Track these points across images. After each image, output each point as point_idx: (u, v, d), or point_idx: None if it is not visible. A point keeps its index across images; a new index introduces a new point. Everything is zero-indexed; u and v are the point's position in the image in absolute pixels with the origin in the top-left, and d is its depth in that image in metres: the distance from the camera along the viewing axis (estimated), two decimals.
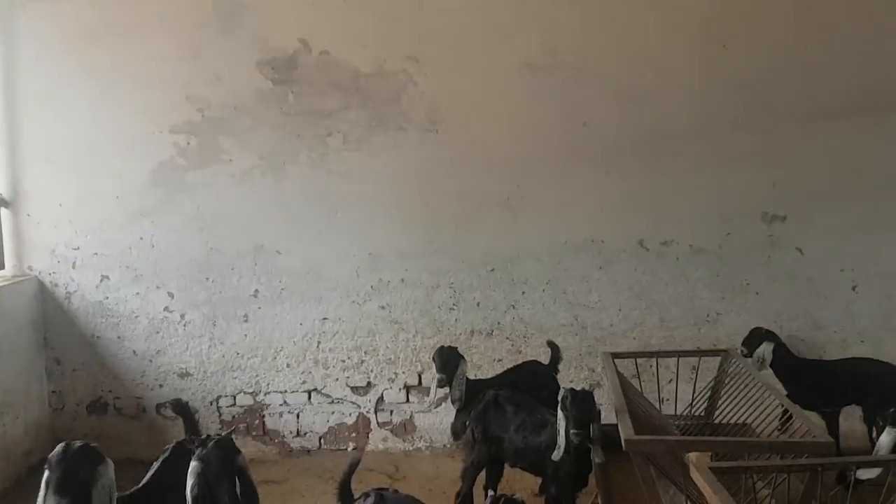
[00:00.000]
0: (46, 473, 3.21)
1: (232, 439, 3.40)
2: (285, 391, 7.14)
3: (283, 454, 7.12)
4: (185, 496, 3.67)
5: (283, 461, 7.01)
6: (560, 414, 4.32)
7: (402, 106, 6.75)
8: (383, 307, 7.02)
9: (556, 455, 4.33)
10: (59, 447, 3.24)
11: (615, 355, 5.47)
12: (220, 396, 7.14)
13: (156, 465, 3.91)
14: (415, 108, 6.75)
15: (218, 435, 3.32)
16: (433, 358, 5.74)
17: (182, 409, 4.57)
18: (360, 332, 7.05)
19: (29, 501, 3.26)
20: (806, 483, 3.30)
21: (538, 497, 5.61)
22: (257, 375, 7.14)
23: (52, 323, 7.08)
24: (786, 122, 6.45)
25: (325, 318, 7.05)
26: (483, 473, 5.26)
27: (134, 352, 7.12)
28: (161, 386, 7.14)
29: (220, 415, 7.16)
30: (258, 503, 3.53)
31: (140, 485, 3.75)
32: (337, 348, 7.09)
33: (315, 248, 6.99)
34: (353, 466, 3.64)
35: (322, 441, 7.19)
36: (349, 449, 7.15)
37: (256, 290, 7.05)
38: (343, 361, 7.10)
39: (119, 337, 7.10)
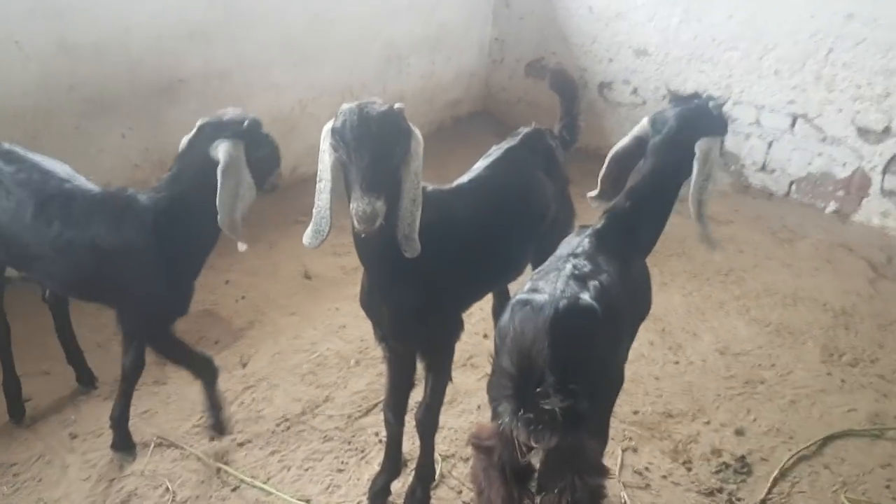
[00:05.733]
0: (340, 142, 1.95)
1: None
2: (762, 106, 5.12)
3: (735, 188, 5.36)
4: (520, 193, 2.58)
5: (730, 197, 5.27)
6: None
7: None
8: None
9: None
10: (351, 109, 1.95)
11: None
12: (674, 91, 5.45)
13: (494, 154, 2.64)
14: None
15: None
16: None
17: (562, 82, 3.02)
18: None
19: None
20: None
21: None
22: (730, 76, 5.20)
23: None
24: None
25: (849, 15, 4.59)
26: None
27: (590, 8, 5.68)
28: (611, 60, 5.73)
29: None
30: None
31: (466, 178, 2.53)
32: (855, 65, 4.70)
33: None
34: None
35: (792, 188, 5.18)
36: (827, 209, 5.03)
37: None
38: (858, 87, 4.73)
39: None
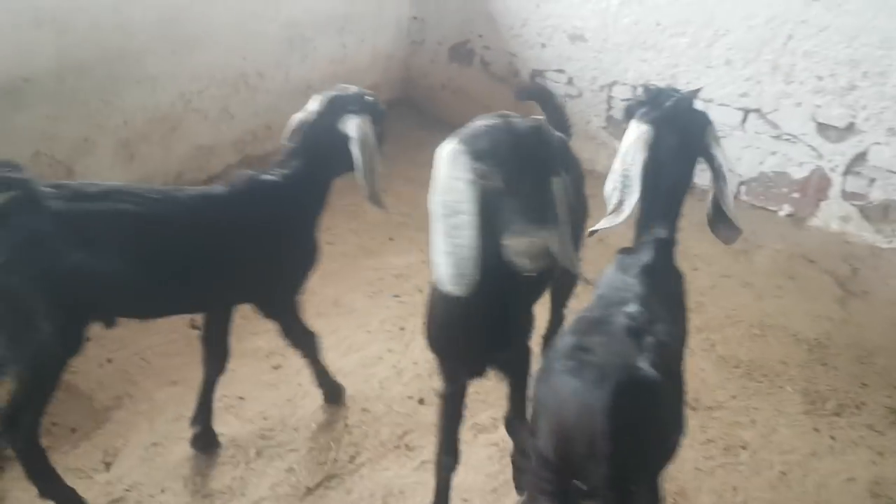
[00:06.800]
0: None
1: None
2: (712, 99, 4.62)
3: None
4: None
5: None
6: None
7: None
8: None
9: None
10: (497, 126, 1.67)
11: None
12: (615, 82, 4.91)
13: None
14: None
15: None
16: None
17: (536, 92, 2.89)
18: (866, 35, 4.05)
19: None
20: None
21: None
22: (677, 64, 4.69)
23: None
24: None
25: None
26: None
27: None
28: (543, 46, 5.11)
29: (609, 107, 5.00)
30: None
31: None
32: (816, 54, 4.25)
33: None
34: None
35: (743, 189, 4.74)
36: (780, 213, 4.62)
37: None
38: (820, 79, 4.28)
39: None
